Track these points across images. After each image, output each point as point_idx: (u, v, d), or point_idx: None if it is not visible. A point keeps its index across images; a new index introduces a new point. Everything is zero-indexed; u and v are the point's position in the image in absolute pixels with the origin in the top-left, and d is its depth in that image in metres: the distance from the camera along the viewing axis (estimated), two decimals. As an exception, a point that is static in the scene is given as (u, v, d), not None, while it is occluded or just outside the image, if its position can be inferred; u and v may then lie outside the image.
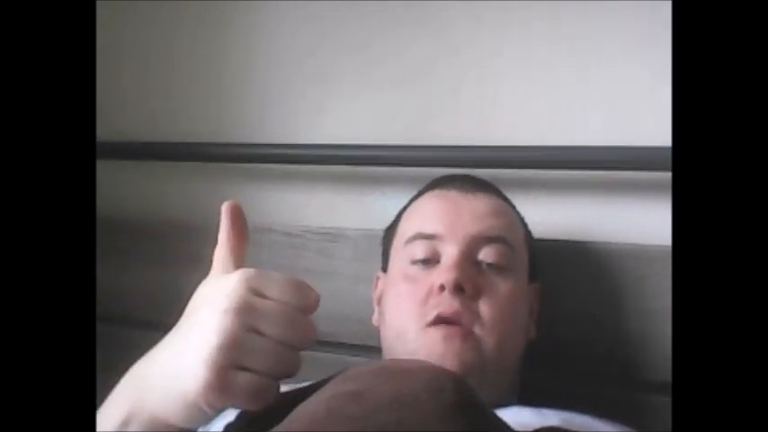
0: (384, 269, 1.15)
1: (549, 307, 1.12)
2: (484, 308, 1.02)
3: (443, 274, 1.02)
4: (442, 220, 1.06)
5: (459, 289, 1.01)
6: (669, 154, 0.77)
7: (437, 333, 1.00)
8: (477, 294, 1.02)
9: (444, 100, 1.33)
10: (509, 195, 1.14)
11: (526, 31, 1.27)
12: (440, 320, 1.00)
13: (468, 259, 1.04)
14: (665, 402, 1.11)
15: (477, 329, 1.01)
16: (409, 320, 1.03)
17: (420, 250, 1.06)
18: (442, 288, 1.01)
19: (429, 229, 1.06)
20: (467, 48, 1.31)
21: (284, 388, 0.81)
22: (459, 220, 1.06)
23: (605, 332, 1.16)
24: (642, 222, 1.19)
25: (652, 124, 1.17)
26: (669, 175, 1.06)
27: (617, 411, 1.05)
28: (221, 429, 1.00)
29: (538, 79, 1.27)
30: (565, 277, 1.17)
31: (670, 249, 1.06)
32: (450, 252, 1.04)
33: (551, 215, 1.23)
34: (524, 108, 1.27)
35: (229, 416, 1.04)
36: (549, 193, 1.25)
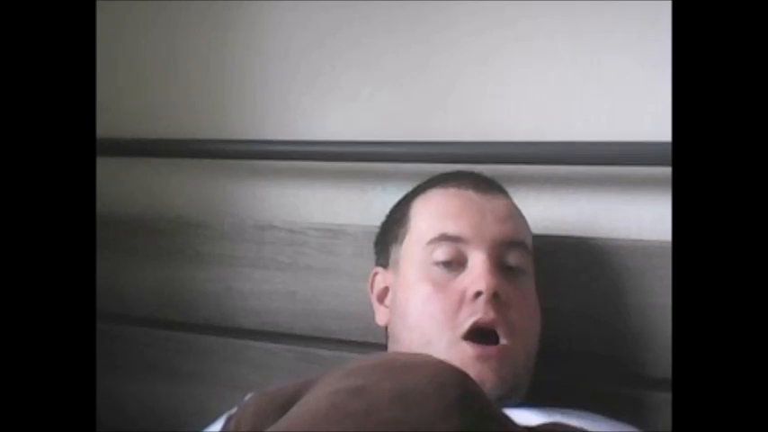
0: (383, 264, 1.14)
1: (549, 303, 1.11)
2: (514, 315, 1.01)
3: (479, 280, 1.00)
4: (467, 221, 1.05)
5: (495, 296, 1.00)
6: (669, 149, 0.77)
7: (472, 351, 0.98)
8: (508, 301, 1.01)
9: (445, 97, 1.32)
10: (509, 191, 1.14)
11: (526, 27, 1.27)
12: (476, 329, 0.99)
13: (497, 264, 1.03)
14: (665, 398, 1.11)
15: (508, 341, 1.00)
16: (442, 328, 1.01)
17: (443, 252, 1.04)
18: (476, 295, 1.00)
19: (453, 230, 1.04)
20: (466, 45, 1.31)
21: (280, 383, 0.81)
22: (484, 223, 1.05)
23: (605, 328, 1.15)
24: (642, 218, 1.19)
25: (652, 120, 1.16)
26: (669, 170, 1.06)
27: (617, 407, 1.05)
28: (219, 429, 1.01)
29: (538, 75, 1.26)
30: (565, 273, 1.17)
31: (670, 245, 1.06)
32: (479, 257, 1.02)
33: (551, 211, 1.23)
34: (524, 104, 1.27)
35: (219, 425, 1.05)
36: (549, 188, 1.25)
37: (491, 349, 0.99)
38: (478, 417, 0.76)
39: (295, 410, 0.79)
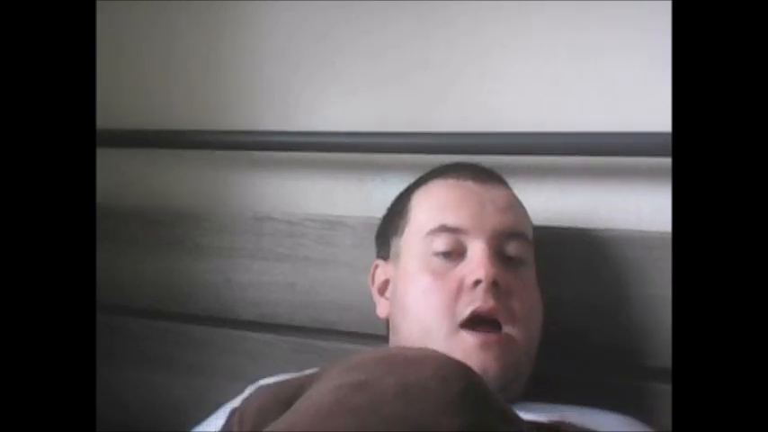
0: (384, 257, 1.14)
1: (549, 293, 1.11)
2: (515, 304, 1.01)
3: (478, 269, 1.00)
4: (466, 212, 1.05)
5: (495, 284, 1.00)
6: (669, 139, 0.77)
7: (474, 339, 0.98)
8: (508, 290, 1.01)
9: (445, 88, 1.32)
10: (510, 181, 1.14)
11: (526, 17, 1.27)
12: (475, 317, 0.99)
13: (497, 254, 1.03)
14: (665, 388, 1.11)
15: (509, 329, 1.00)
16: (440, 318, 1.01)
17: (443, 242, 1.04)
18: (476, 284, 1.00)
19: (453, 221, 1.04)
20: (467, 36, 1.30)
21: (282, 378, 0.81)
22: (484, 213, 1.05)
23: (605, 318, 1.16)
24: (642, 209, 1.19)
25: (652, 110, 1.16)
26: (669, 160, 1.06)
27: (618, 397, 1.06)
28: (217, 430, 1.00)
29: (538, 66, 1.26)
30: (565, 264, 1.17)
31: (670, 236, 1.06)
32: (479, 247, 1.02)
33: (552, 201, 1.23)
34: (524, 94, 1.27)
35: (221, 417, 1.05)
36: (549, 179, 1.25)
37: (493, 337, 0.99)
38: (482, 410, 0.76)
39: (299, 405, 0.79)
